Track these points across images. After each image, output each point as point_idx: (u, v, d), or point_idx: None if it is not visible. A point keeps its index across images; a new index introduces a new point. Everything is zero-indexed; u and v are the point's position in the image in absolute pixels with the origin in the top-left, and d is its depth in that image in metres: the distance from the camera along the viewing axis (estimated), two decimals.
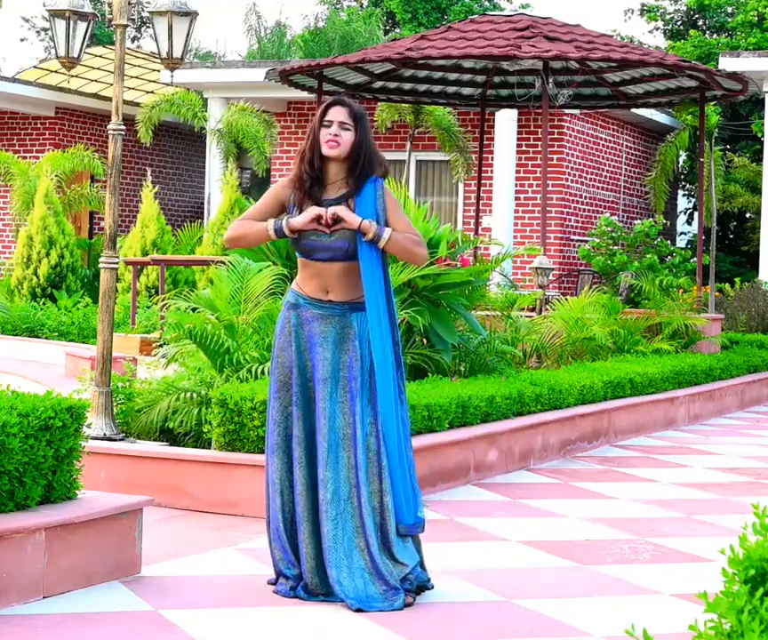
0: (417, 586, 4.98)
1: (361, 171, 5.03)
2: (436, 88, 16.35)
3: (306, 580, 4.95)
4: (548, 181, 18.74)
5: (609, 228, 19.27)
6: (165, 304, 9.43)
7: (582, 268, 20.35)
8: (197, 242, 19.31)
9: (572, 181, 20.72)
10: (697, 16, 29.04)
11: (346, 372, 4.95)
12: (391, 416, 4.93)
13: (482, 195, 17.95)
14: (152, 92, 24.14)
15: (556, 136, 20.13)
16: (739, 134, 25.56)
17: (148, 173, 19.66)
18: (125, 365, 8.79)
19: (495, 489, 7.75)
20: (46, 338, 15.18)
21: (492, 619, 4.80)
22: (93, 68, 23.88)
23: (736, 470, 8.92)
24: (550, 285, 13.86)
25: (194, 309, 8.28)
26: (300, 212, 5.01)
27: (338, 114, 5.02)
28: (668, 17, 29.46)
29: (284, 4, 59.23)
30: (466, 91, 16.54)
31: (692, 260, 19.18)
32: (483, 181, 17.92)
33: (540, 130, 19.23)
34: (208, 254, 16.24)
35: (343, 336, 4.98)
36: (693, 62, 14.68)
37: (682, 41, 27.17)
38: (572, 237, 20.78)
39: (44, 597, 4.74)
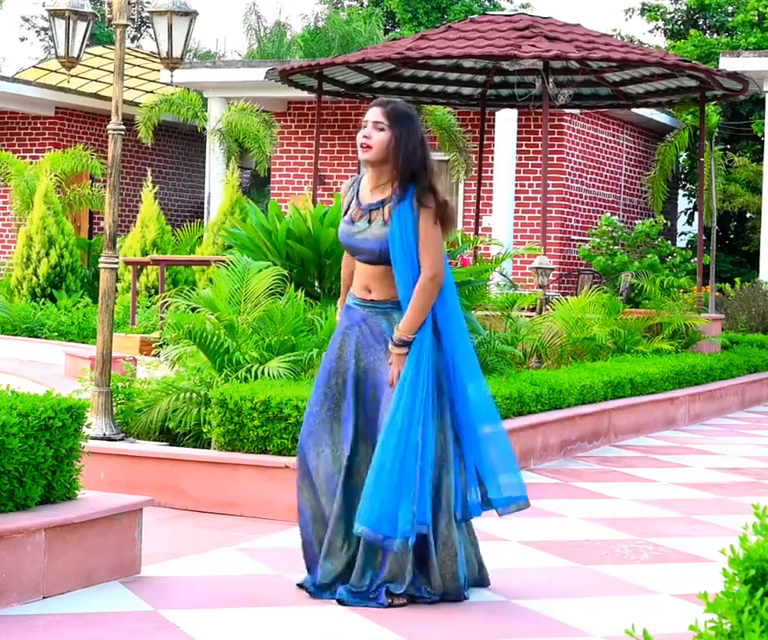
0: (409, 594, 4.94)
1: (401, 175, 4.89)
2: (436, 88, 16.34)
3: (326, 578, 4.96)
4: (548, 181, 18.74)
5: (609, 228, 19.27)
6: (165, 303, 9.43)
7: (582, 267, 20.35)
8: (197, 242, 19.31)
9: (572, 181, 20.72)
10: (697, 16, 29.03)
11: (384, 371, 4.90)
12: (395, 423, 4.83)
13: (482, 195, 17.94)
14: (152, 91, 24.15)
15: (556, 136, 20.13)
16: (739, 134, 25.55)
17: (149, 173, 19.66)
18: (125, 365, 8.79)
19: None
20: (46, 338, 15.18)
21: (492, 619, 4.80)
22: (93, 68, 23.88)
23: (736, 470, 8.92)
24: (550, 285, 13.86)
25: (194, 309, 8.28)
26: (344, 214, 5.07)
27: (372, 114, 4.92)
28: (668, 16, 29.44)
29: (283, 3, 59.27)
30: (466, 90, 16.53)
31: (692, 260, 19.18)
32: (483, 181, 17.91)
33: (540, 130, 19.23)
34: (208, 254, 16.24)
35: (381, 335, 4.95)
36: (694, 62, 14.68)
37: (682, 40, 27.15)
38: (572, 237, 20.78)
39: (44, 597, 4.74)
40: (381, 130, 4.89)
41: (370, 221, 4.96)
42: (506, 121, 19.60)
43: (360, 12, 34.10)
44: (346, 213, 5.05)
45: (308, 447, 5.00)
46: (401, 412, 4.77)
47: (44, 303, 16.97)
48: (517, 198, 20.25)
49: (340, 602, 4.87)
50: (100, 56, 23.81)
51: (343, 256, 5.28)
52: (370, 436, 4.94)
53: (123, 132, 7.62)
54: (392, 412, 4.79)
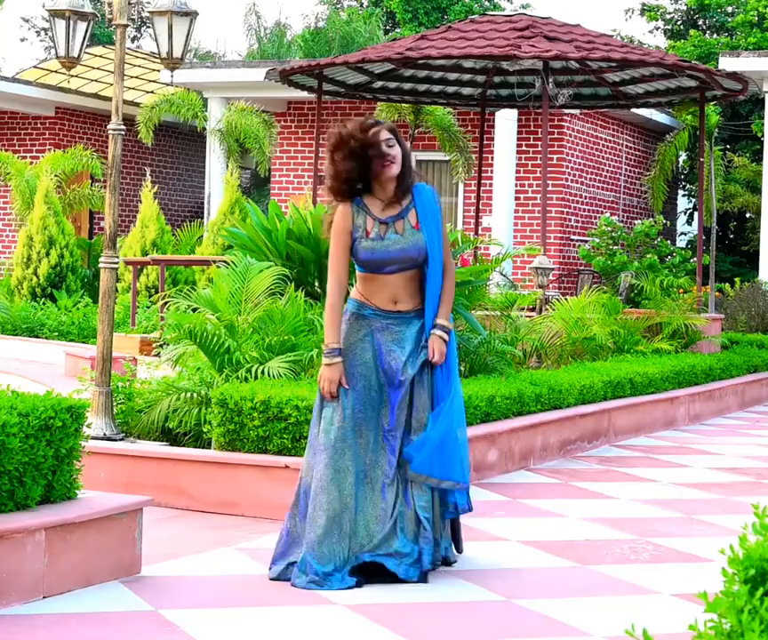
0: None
1: (410, 182, 5.25)
2: (436, 88, 16.35)
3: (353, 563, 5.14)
4: (548, 181, 18.73)
5: (609, 228, 19.27)
6: (165, 303, 9.43)
7: (582, 268, 20.35)
8: (197, 242, 19.32)
9: (572, 181, 20.73)
10: (697, 16, 29.03)
11: (408, 374, 5.19)
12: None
13: (482, 195, 17.94)
14: (152, 91, 24.14)
15: (556, 136, 20.13)
16: (739, 134, 25.55)
17: (147, 173, 19.65)
18: (125, 365, 8.79)
19: (495, 489, 7.74)
20: (46, 338, 15.18)
21: (492, 619, 4.80)
22: (93, 68, 23.89)
23: (736, 470, 8.92)
24: (550, 285, 13.86)
25: (194, 309, 8.28)
26: (366, 234, 5.18)
27: (380, 134, 5.20)
28: (668, 16, 29.44)
29: (283, 3, 59.23)
30: (466, 91, 16.53)
31: (692, 260, 19.18)
32: (483, 181, 17.91)
33: (540, 130, 19.23)
34: (208, 254, 16.25)
35: (407, 341, 5.21)
36: (693, 62, 14.68)
37: (682, 41, 27.16)
38: (572, 237, 20.78)
39: (43, 597, 4.74)
40: (392, 146, 5.20)
41: (396, 232, 5.21)
42: (506, 121, 19.60)
43: (360, 12, 34.10)
44: (366, 234, 5.19)
45: (343, 453, 5.17)
46: (458, 386, 5.25)
47: (44, 303, 16.97)
48: (517, 198, 20.25)
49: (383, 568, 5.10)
50: (100, 56, 23.82)
51: (337, 279, 5.23)
52: (387, 433, 5.22)
53: (123, 132, 7.63)
54: (454, 390, 5.21)
